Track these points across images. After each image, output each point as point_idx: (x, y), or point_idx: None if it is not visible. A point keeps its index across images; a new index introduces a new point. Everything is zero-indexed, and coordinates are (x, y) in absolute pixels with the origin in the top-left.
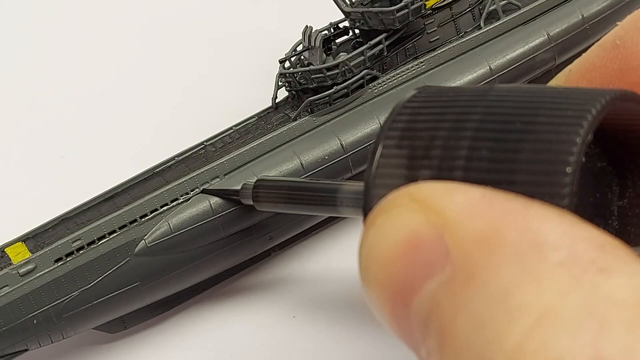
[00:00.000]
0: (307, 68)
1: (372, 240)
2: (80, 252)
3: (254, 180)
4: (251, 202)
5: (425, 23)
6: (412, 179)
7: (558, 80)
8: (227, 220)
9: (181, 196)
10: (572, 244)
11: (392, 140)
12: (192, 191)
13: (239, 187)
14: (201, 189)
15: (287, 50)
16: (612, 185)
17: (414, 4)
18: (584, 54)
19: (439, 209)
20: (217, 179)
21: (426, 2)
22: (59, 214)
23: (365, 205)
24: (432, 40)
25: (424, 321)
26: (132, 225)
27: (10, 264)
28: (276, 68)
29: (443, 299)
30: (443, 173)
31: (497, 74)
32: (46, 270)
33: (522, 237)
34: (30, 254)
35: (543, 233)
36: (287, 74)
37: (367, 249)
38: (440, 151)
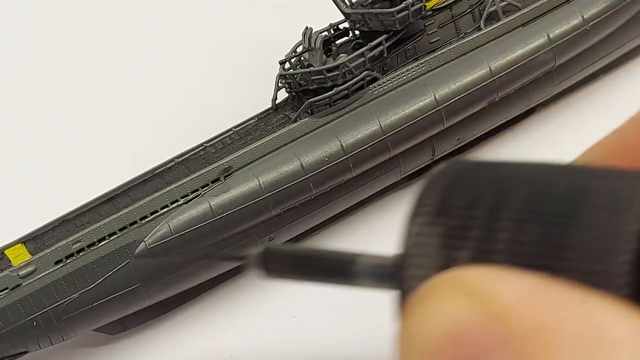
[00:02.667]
0: (308, 69)
1: (415, 328)
2: (81, 254)
3: (263, 249)
4: (261, 274)
5: (426, 24)
6: (449, 259)
7: (587, 156)
8: (226, 222)
9: (181, 198)
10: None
11: (426, 217)
12: (192, 193)
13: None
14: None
15: (287, 52)
16: None
17: (414, 5)
18: (616, 129)
19: (490, 297)
20: (218, 181)
21: (426, 4)
22: (58, 216)
23: (401, 285)
24: (432, 41)
25: None
26: (132, 227)
27: (10, 266)
28: (276, 69)
29: None
30: (483, 256)
31: (497, 75)
32: (46, 272)
33: (584, 330)
34: (30, 256)
35: (607, 328)
36: (287, 75)
37: (409, 336)
38: (478, 232)
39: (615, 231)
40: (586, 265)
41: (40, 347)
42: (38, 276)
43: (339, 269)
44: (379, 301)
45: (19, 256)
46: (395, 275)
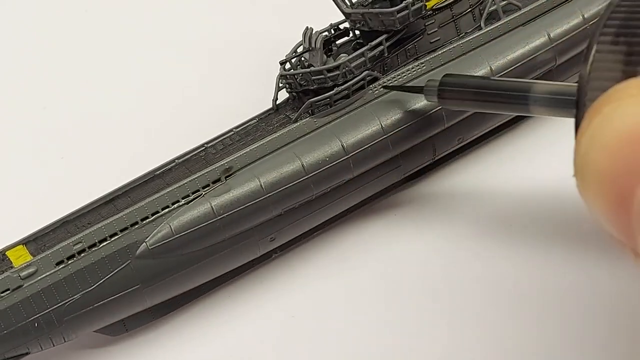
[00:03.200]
0: (308, 69)
1: (598, 128)
2: (82, 254)
3: (439, 79)
4: (435, 100)
5: (426, 24)
6: (630, 75)
7: None
8: (228, 223)
9: (182, 198)
10: None
11: (608, 37)
12: (193, 193)
13: (422, 85)
14: (383, 85)
15: (288, 52)
16: None
17: (414, 5)
18: None
19: None
20: (219, 182)
21: (427, 3)
22: (59, 217)
23: (579, 104)
24: (432, 41)
25: None
26: (133, 228)
27: (12, 267)
28: (276, 69)
29: None
30: None
31: (498, 75)
32: (47, 273)
33: None
34: (32, 257)
35: None
36: (288, 76)
37: (590, 136)
38: None
39: None
40: None
41: (41, 348)
42: (39, 277)
43: (516, 96)
44: (379, 301)
45: (20, 257)
46: (575, 99)
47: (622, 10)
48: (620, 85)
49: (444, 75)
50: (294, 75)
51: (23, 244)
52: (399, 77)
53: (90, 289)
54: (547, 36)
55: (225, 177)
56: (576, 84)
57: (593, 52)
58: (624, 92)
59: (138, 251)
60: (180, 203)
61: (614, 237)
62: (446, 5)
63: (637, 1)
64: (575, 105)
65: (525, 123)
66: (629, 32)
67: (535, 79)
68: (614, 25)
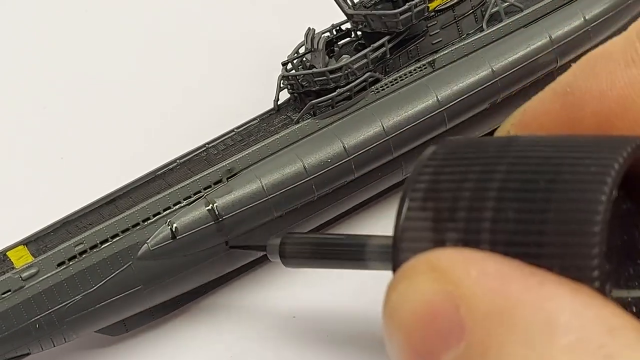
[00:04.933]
0: (310, 71)
1: (394, 305)
2: (83, 255)
3: (280, 238)
4: (278, 259)
5: (428, 25)
6: (439, 242)
7: (514, 119)
8: (229, 224)
9: (184, 199)
10: (581, 326)
11: (416, 202)
12: (194, 194)
13: (264, 244)
14: (227, 244)
15: (289, 53)
16: (639, 224)
17: (417, 6)
18: (538, 94)
19: (455, 281)
20: (220, 183)
21: (429, 5)
22: (60, 217)
23: (394, 268)
24: (434, 42)
25: None
26: (134, 229)
27: (13, 267)
28: (278, 70)
29: None
30: (470, 236)
31: (500, 76)
32: (49, 274)
33: (535, 316)
34: (33, 258)
35: (554, 313)
36: (290, 77)
37: (389, 313)
38: (465, 213)
39: (586, 204)
40: (560, 239)
41: (42, 348)
42: (40, 278)
43: (352, 252)
44: (379, 300)
45: (22, 258)
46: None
47: (428, 171)
48: (413, 261)
49: (284, 235)
50: (295, 76)
51: (24, 245)
52: (401, 78)
53: (91, 290)
54: (548, 38)
55: (227, 178)
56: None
57: (403, 217)
58: (415, 268)
59: (139, 252)
60: (182, 204)
61: None
62: (448, 7)
63: (440, 163)
64: (392, 269)
65: None
66: (435, 196)
67: (537, 80)
68: (421, 189)
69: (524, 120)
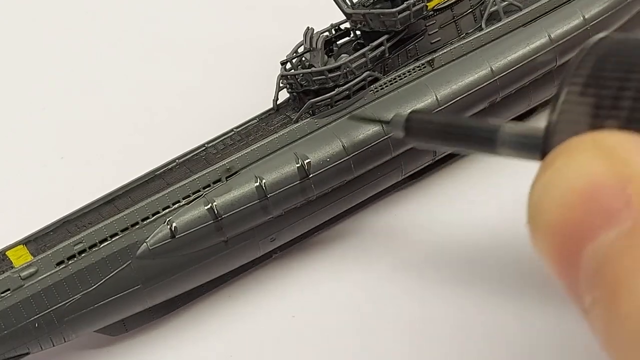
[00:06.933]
0: (309, 70)
1: (549, 181)
2: (82, 255)
3: (407, 114)
4: (401, 134)
5: (427, 24)
6: (596, 127)
7: None
8: (228, 223)
9: (183, 199)
10: None
11: (577, 87)
12: (193, 193)
13: (389, 118)
14: (348, 115)
15: (288, 52)
16: None
17: (415, 5)
18: None
19: (625, 160)
20: (219, 182)
21: (428, 4)
22: (60, 217)
23: (545, 150)
24: (433, 41)
25: (594, 269)
26: (133, 228)
27: (12, 267)
28: (277, 70)
29: (621, 250)
30: (633, 125)
31: (499, 75)
32: (48, 274)
33: None
34: (32, 257)
35: None
36: (289, 76)
37: (542, 188)
38: (631, 102)
39: None
40: None
41: (42, 348)
42: (40, 277)
43: (483, 136)
44: (379, 301)
45: (21, 257)
46: (540, 143)
47: (591, 59)
48: (576, 138)
49: (410, 112)
50: (294, 75)
51: (23, 244)
52: (400, 77)
53: (90, 289)
54: (547, 37)
55: (226, 178)
56: (544, 128)
57: (561, 100)
58: (579, 145)
59: (139, 251)
60: (181, 203)
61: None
62: (447, 6)
63: (606, 52)
64: (541, 152)
65: (530, 119)
66: (598, 83)
67: (536, 79)
68: (583, 75)
69: None
